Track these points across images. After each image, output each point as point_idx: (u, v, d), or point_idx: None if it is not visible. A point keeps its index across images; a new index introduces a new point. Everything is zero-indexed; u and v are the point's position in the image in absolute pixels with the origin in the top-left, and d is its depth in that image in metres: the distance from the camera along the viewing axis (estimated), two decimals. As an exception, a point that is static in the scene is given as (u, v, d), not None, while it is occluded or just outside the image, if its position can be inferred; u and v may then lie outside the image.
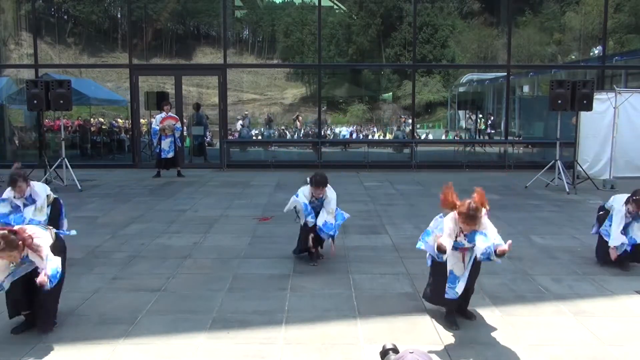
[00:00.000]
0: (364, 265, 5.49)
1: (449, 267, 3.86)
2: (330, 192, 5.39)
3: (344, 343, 3.73)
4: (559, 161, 10.77)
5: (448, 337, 3.79)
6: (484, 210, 3.71)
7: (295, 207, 5.42)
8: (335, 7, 27.48)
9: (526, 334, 3.88)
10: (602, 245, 5.43)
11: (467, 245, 3.83)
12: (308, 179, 5.39)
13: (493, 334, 3.87)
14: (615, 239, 5.16)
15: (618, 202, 5.25)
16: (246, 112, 19.42)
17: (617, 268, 5.37)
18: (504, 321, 4.10)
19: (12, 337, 3.77)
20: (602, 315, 4.23)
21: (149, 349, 3.62)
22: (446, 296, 3.90)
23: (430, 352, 3.29)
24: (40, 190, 5.27)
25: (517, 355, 3.56)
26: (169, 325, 3.99)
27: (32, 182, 5.26)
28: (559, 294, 4.67)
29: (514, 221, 7.59)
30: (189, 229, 7.05)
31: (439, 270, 3.97)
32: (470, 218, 3.66)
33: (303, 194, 5.36)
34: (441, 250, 3.64)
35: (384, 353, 2.67)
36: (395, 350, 2.63)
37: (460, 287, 3.86)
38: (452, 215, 3.78)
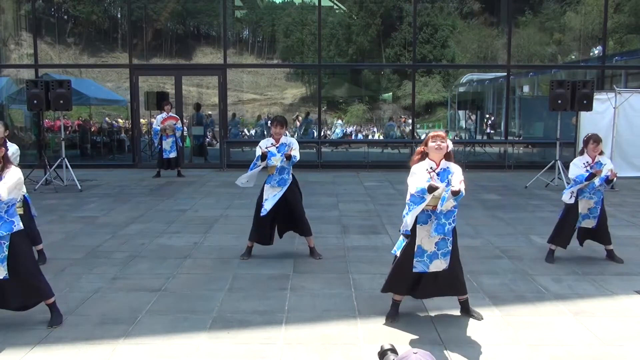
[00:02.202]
0: (364, 265, 5.49)
1: (417, 242, 3.91)
2: (290, 138, 5.57)
3: (344, 343, 3.73)
4: (559, 161, 10.77)
5: (448, 337, 3.79)
6: (449, 142, 3.88)
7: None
8: (335, 7, 27.48)
9: (526, 334, 3.88)
10: (562, 227, 5.59)
11: (440, 186, 3.78)
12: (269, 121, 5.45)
13: (493, 334, 3.87)
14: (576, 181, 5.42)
15: (574, 164, 5.47)
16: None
17: (611, 261, 5.56)
18: (504, 321, 4.11)
19: (12, 337, 3.77)
20: (602, 315, 4.23)
21: (149, 349, 3.62)
22: (414, 270, 3.93)
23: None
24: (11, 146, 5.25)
25: (517, 355, 3.56)
26: (169, 325, 3.99)
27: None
28: (559, 294, 4.67)
29: (514, 221, 7.59)
30: (189, 229, 7.05)
31: (403, 258, 4.01)
32: (438, 137, 3.84)
33: (264, 144, 5.48)
34: (433, 188, 3.69)
35: (382, 354, 2.65)
36: (393, 351, 2.61)
37: (437, 264, 3.91)
38: (419, 162, 3.91)
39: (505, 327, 4.00)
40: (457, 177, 3.75)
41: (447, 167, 3.87)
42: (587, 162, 5.43)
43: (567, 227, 5.59)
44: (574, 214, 5.52)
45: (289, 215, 5.64)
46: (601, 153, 5.48)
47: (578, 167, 5.44)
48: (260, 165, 5.48)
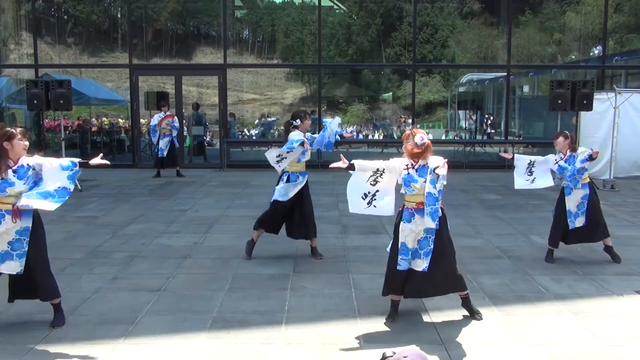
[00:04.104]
0: (364, 265, 5.49)
1: (400, 240, 3.92)
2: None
3: (344, 343, 3.73)
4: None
5: (448, 337, 3.79)
6: (423, 136, 3.86)
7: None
8: (335, 7, 27.47)
9: (526, 334, 3.88)
10: (555, 227, 5.64)
11: (418, 180, 3.82)
12: (296, 121, 5.54)
13: (493, 334, 3.87)
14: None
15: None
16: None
17: (611, 262, 5.56)
18: (504, 321, 4.11)
19: (13, 337, 3.77)
20: (602, 315, 4.23)
21: (149, 349, 3.62)
22: (398, 267, 3.92)
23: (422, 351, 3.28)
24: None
25: (517, 355, 3.56)
26: (169, 325, 3.99)
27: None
28: (559, 294, 4.67)
29: (514, 221, 7.59)
30: (189, 229, 7.05)
31: (390, 255, 4.02)
32: (405, 139, 3.90)
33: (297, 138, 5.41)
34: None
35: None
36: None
37: (418, 264, 3.89)
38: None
39: (505, 327, 4.00)
40: (437, 162, 3.72)
41: (426, 164, 3.85)
42: (560, 157, 5.56)
43: (559, 227, 5.61)
44: (563, 212, 5.56)
45: (299, 213, 5.59)
46: (574, 149, 5.54)
47: (553, 163, 5.59)
48: (295, 151, 5.38)
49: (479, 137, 20.14)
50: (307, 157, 5.65)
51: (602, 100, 11.17)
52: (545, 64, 20.30)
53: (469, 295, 4.15)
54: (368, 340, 3.76)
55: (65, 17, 27.82)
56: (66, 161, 3.82)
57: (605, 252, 5.66)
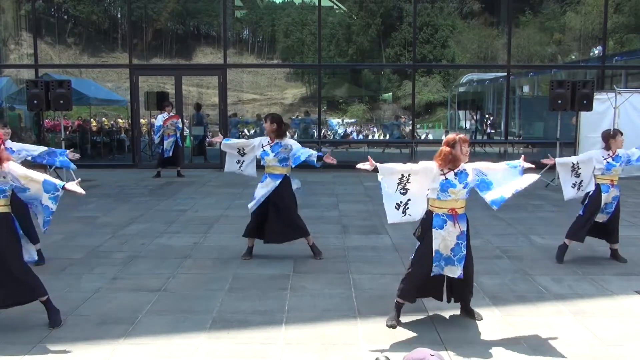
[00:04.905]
0: (364, 265, 5.49)
1: (434, 247, 3.86)
2: (291, 141, 5.65)
3: (344, 343, 3.73)
4: (559, 161, 10.76)
5: (448, 337, 3.79)
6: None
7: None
8: (335, 7, 27.49)
9: (526, 334, 3.88)
10: (585, 221, 5.59)
11: (457, 185, 3.80)
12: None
13: (493, 334, 3.87)
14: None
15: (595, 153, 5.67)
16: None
17: (614, 260, 5.60)
18: (504, 321, 4.10)
19: (12, 337, 3.77)
20: (602, 315, 4.23)
21: (149, 349, 3.62)
22: (432, 274, 3.92)
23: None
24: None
25: (517, 355, 3.56)
26: (169, 325, 3.99)
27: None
28: (559, 294, 4.67)
29: (514, 221, 7.59)
30: (189, 229, 7.05)
31: (419, 263, 3.97)
32: (467, 142, 3.84)
33: (260, 143, 5.59)
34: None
35: None
36: None
37: (453, 270, 3.88)
38: (434, 162, 3.91)
39: (505, 327, 4.00)
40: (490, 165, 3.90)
41: (464, 169, 3.86)
42: (609, 154, 5.56)
43: (588, 223, 5.57)
44: (597, 209, 5.51)
45: (278, 217, 5.56)
46: None
47: (599, 160, 5.55)
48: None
49: (479, 137, 20.14)
50: (269, 162, 5.55)
51: (602, 100, 11.17)
52: (545, 64, 20.31)
53: (469, 303, 4.16)
54: (368, 340, 3.76)
55: (65, 17, 27.83)
56: (50, 183, 4.01)
57: (611, 257, 5.68)
